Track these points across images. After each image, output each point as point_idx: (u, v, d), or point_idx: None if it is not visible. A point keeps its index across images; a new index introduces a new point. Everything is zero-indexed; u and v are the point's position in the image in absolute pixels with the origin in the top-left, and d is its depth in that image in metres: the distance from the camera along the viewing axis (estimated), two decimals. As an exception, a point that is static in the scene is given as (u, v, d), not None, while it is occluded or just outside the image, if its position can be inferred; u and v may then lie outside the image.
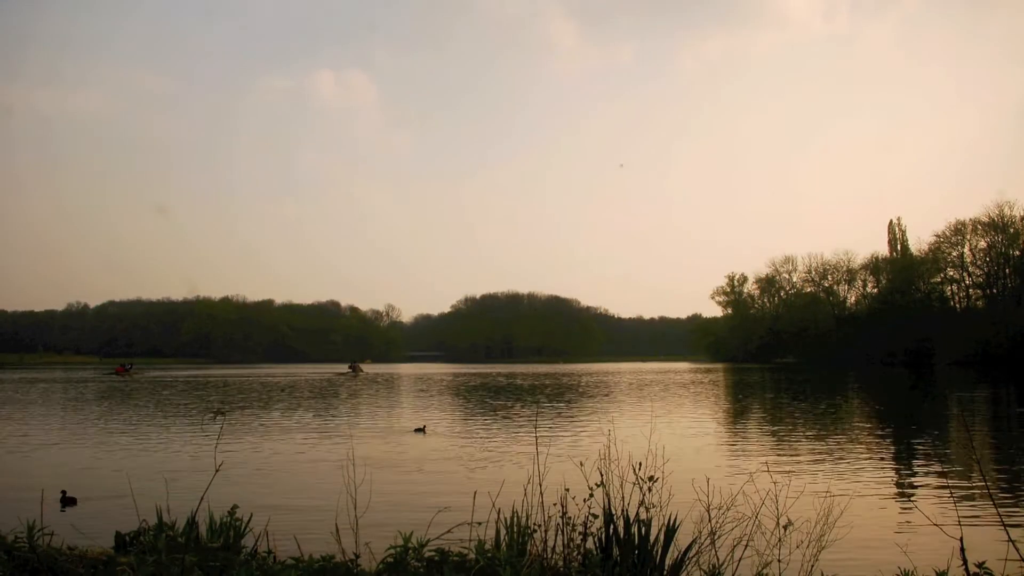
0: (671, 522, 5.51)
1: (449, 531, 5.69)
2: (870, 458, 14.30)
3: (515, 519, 5.72)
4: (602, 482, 5.62)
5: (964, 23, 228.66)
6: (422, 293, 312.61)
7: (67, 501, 10.22)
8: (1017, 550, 4.73)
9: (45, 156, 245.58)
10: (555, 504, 5.46)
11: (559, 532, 5.39)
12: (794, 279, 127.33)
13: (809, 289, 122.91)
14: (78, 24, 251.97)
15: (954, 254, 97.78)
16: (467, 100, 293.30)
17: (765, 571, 5.26)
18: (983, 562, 4.66)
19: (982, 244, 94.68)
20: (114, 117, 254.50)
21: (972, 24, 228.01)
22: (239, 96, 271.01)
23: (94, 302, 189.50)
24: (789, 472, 12.15)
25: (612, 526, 5.53)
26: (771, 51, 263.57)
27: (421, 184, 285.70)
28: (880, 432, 19.27)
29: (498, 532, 5.72)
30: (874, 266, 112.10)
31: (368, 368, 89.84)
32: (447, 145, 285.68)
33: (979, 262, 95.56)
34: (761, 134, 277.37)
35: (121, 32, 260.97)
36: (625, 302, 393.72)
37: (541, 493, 5.53)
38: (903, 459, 14.42)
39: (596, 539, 5.55)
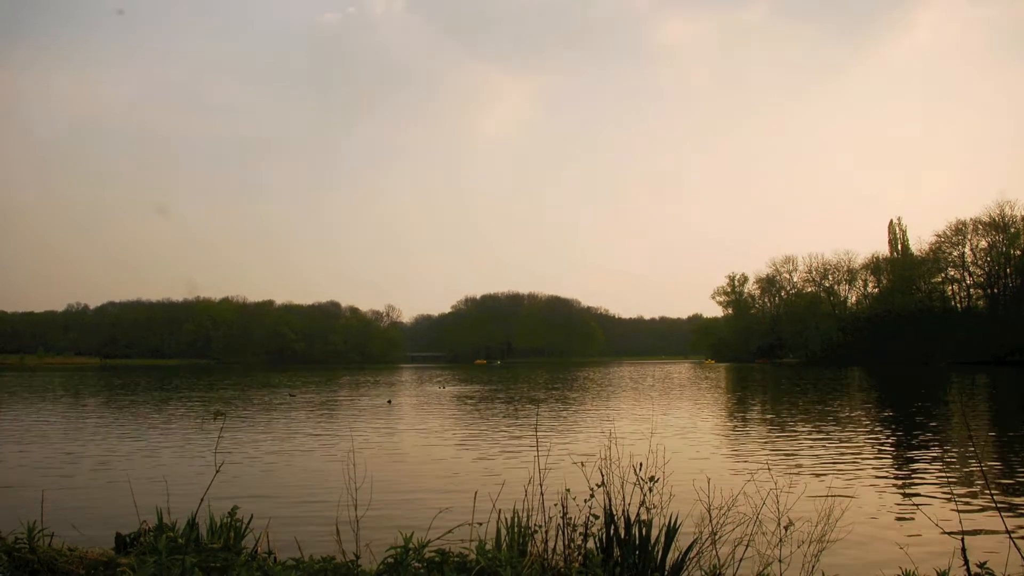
0: (672, 522, 5.51)
1: (450, 531, 5.68)
2: (871, 458, 14.29)
3: (516, 520, 5.71)
4: (603, 482, 5.62)
5: (965, 26, 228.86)
6: (422, 294, 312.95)
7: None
8: (1019, 550, 4.72)
9: (44, 155, 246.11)
10: (556, 505, 5.45)
11: (560, 533, 5.38)
12: (795, 279, 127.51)
13: (810, 289, 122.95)
14: (75, 19, 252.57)
15: (955, 254, 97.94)
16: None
17: (766, 571, 5.25)
18: (984, 562, 4.64)
19: (983, 244, 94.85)
20: (114, 115, 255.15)
21: (972, 27, 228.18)
22: (240, 95, 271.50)
23: (94, 303, 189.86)
24: (790, 472, 12.14)
25: (613, 526, 5.53)
26: (771, 54, 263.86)
27: (420, 185, 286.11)
28: (881, 432, 19.24)
29: (499, 533, 5.71)
30: (875, 266, 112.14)
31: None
32: (447, 146, 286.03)
33: (980, 262, 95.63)
34: (761, 135, 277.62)
35: (118, 25, 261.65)
36: (626, 302, 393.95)
37: (542, 494, 5.52)
38: (904, 459, 14.40)
39: (597, 539, 5.54)
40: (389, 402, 31.10)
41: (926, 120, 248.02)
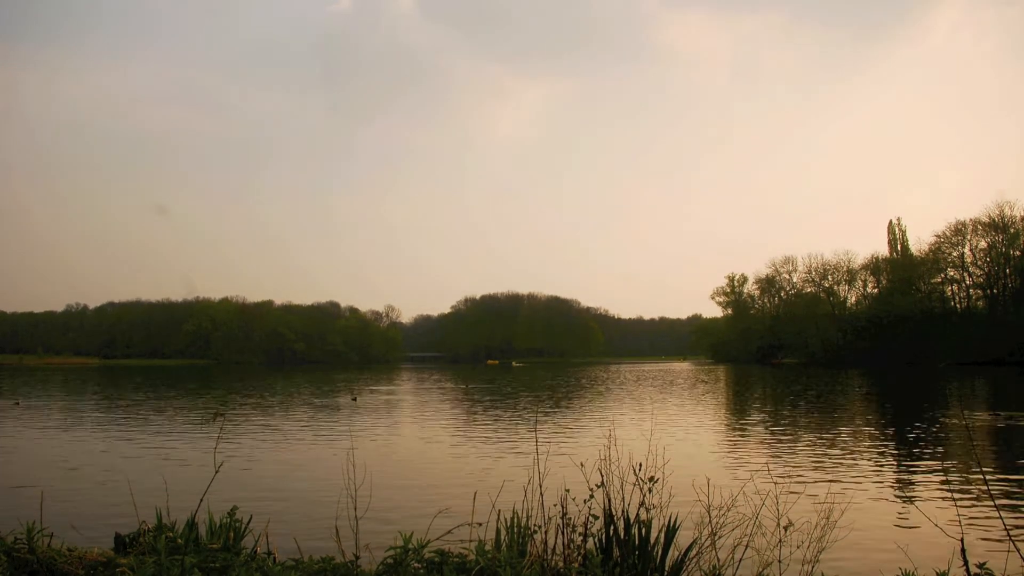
0: (671, 523, 5.51)
1: (449, 532, 5.68)
2: (870, 459, 14.29)
3: (515, 520, 5.71)
4: (602, 483, 5.61)
5: (965, 28, 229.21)
6: (422, 294, 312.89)
7: None
8: (1018, 551, 4.72)
9: (44, 155, 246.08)
10: (555, 505, 5.45)
11: (559, 533, 5.38)
12: (794, 279, 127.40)
13: (809, 289, 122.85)
14: (76, 18, 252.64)
15: (954, 254, 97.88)
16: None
17: (766, 572, 5.25)
18: (984, 563, 4.64)
19: (982, 244, 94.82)
20: (115, 114, 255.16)
21: (972, 28, 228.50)
22: (242, 94, 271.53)
23: (93, 303, 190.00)
24: (789, 473, 12.14)
25: (612, 527, 5.52)
26: (773, 55, 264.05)
27: (421, 185, 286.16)
28: (880, 433, 19.26)
29: (498, 533, 5.71)
30: (874, 266, 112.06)
31: None
32: (450, 146, 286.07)
33: (979, 262, 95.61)
34: (761, 135, 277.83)
35: (120, 23, 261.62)
36: (625, 302, 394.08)
37: (541, 494, 5.52)
38: (903, 460, 14.40)
39: (596, 540, 5.54)
40: (354, 399, 30.52)
41: (926, 120, 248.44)
